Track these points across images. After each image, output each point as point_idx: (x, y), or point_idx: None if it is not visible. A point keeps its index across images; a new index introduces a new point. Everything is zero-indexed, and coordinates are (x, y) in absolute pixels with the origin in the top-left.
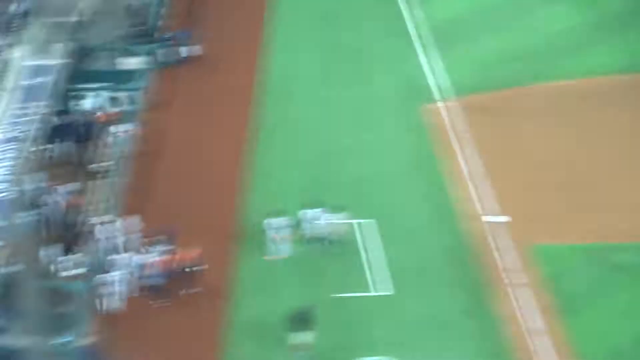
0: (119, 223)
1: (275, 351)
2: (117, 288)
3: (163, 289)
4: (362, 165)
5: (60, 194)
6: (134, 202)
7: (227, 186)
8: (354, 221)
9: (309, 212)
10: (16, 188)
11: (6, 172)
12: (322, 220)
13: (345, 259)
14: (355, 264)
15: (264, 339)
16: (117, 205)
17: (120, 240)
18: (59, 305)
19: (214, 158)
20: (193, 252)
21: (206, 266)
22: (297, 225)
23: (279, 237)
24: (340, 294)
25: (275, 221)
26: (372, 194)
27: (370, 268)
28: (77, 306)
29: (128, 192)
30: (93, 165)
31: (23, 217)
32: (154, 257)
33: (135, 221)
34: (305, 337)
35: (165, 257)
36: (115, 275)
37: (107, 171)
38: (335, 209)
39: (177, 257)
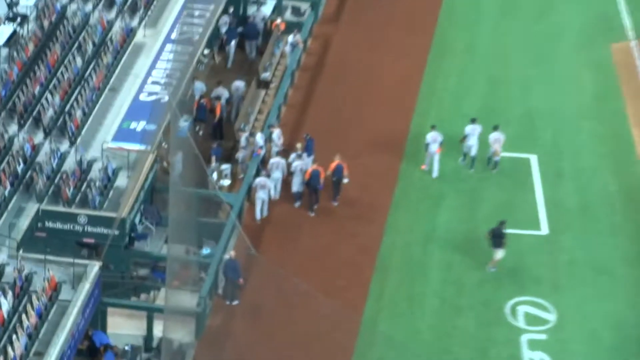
0: (260, 135)
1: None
2: (272, 193)
3: (313, 198)
4: (537, 99)
5: (222, 97)
6: (290, 114)
7: (393, 105)
8: (519, 155)
9: (476, 128)
10: (178, 91)
11: (170, 74)
12: (490, 138)
13: (503, 190)
14: (513, 197)
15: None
16: (278, 116)
17: (272, 149)
18: (209, 215)
19: (383, 78)
20: (335, 164)
21: (347, 180)
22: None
23: (431, 153)
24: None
25: (432, 135)
26: (544, 128)
27: (528, 204)
28: (227, 218)
29: (288, 104)
30: (265, 74)
31: (182, 122)
32: (302, 165)
33: (278, 133)
34: (498, 254)
35: (311, 167)
36: (272, 178)
37: (276, 81)
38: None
39: (320, 167)
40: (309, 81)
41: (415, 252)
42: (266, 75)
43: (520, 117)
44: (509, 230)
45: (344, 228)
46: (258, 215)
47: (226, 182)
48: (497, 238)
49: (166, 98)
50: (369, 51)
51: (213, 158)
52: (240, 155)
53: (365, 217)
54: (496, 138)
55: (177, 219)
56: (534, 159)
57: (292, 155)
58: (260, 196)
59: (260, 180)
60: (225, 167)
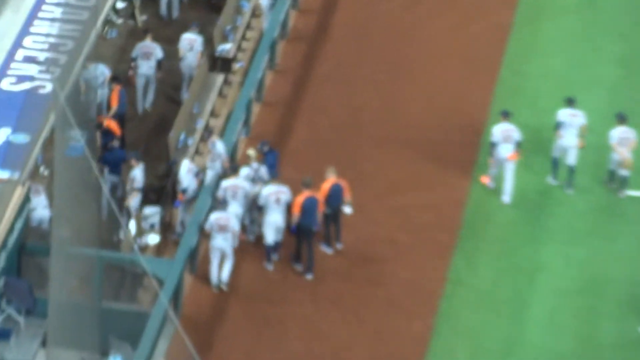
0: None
1: None
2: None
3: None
4: None
5: None
6: (269, 118)
7: (452, 95)
8: None
9: (577, 115)
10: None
11: (57, 44)
12: (613, 137)
13: None
14: None
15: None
16: (247, 121)
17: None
18: (122, 297)
19: (433, 50)
20: (328, 184)
21: (350, 209)
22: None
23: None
24: None
25: (503, 129)
26: None
27: None
28: (153, 302)
29: (265, 100)
30: (224, 47)
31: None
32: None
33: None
34: None
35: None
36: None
37: (243, 58)
38: None
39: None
40: (302, 59)
41: None
42: (226, 48)
43: None
44: None
45: (359, 313)
46: (214, 279)
47: (153, 237)
48: None
49: (49, 87)
50: (406, 6)
51: (130, 197)
52: (185, 183)
53: (400, 295)
54: (624, 137)
55: (63, 305)
56: None
57: (244, 174)
58: (218, 245)
59: (216, 217)
60: (151, 211)
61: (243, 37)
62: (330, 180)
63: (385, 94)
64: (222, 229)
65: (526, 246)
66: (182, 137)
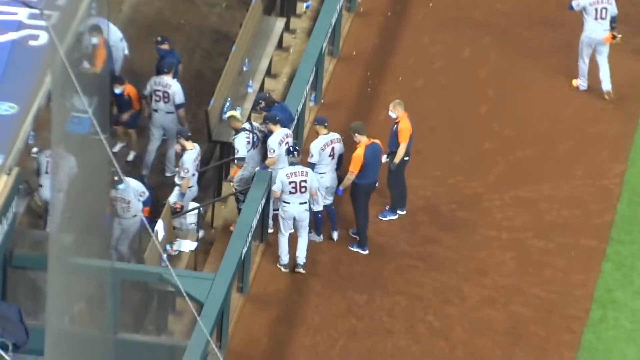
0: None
1: None
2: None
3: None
4: None
5: None
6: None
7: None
8: None
9: None
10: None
11: None
12: None
13: None
14: None
15: None
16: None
17: None
18: (146, 325)
19: None
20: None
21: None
22: None
23: None
24: None
25: None
26: None
27: None
28: (189, 332)
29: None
30: None
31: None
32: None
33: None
34: None
35: None
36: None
37: None
38: None
39: None
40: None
41: None
42: None
43: None
44: None
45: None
46: (284, 260)
47: (189, 243)
48: None
49: (43, 38)
50: None
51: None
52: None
53: (531, 321)
54: None
55: (65, 336)
56: None
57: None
58: (293, 212)
59: (289, 172)
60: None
61: None
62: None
63: (504, 43)
64: (298, 188)
65: None
66: (227, 105)
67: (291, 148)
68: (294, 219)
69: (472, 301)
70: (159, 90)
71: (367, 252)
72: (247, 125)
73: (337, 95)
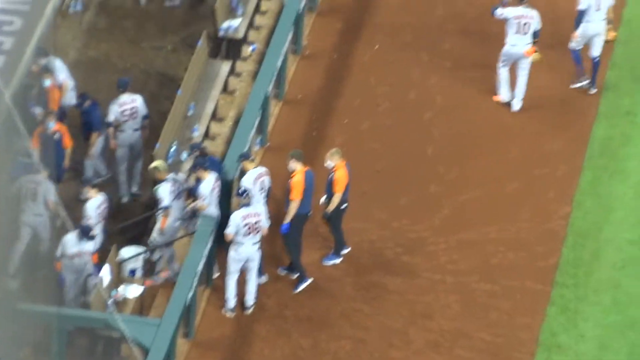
0: None
1: None
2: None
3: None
4: None
5: None
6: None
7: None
8: None
9: None
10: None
11: None
12: None
13: None
14: None
15: None
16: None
17: None
18: None
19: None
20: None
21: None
22: None
23: None
24: None
25: None
26: None
27: None
28: None
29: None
30: (231, 23)
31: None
32: None
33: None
34: None
35: None
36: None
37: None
38: None
39: None
40: (338, 39)
41: None
42: (233, 25)
43: None
44: None
45: None
46: (231, 302)
47: (133, 289)
48: None
49: None
50: None
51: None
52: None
53: None
54: None
55: None
56: None
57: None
58: (246, 253)
59: (244, 214)
60: (131, 252)
61: (257, 10)
62: (340, 164)
63: (449, 89)
64: (253, 228)
65: None
66: (172, 149)
67: (239, 191)
68: (247, 259)
69: (417, 345)
70: (126, 110)
71: (311, 279)
72: (171, 176)
73: (283, 139)
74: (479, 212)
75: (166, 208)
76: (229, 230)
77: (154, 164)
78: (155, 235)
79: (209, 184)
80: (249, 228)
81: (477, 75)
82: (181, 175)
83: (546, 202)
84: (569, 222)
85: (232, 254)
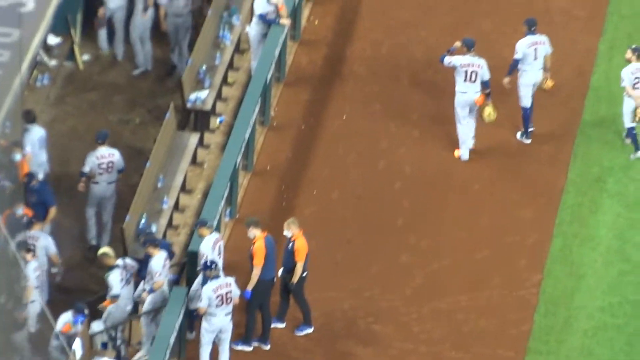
0: None
1: None
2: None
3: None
4: None
5: None
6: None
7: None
8: None
9: None
10: None
11: None
12: None
13: None
14: None
15: None
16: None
17: None
18: None
19: None
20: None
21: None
22: None
23: None
24: None
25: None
26: None
27: None
28: None
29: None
30: (198, 95)
31: None
32: None
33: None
34: None
35: None
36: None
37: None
38: None
39: None
40: (305, 110)
41: None
42: (201, 97)
43: None
44: None
45: None
46: None
47: None
48: None
49: None
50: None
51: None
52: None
53: None
54: None
55: None
56: None
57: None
58: (219, 324)
59: (215, 286)
60: (101, 326)
61: (224, 82)
62: (298, 234)
63: (418, 154)
64: (225, 299)
65: None
66: (142, 222)
67: (207, 263)
68: (220, 330)
69: None
70: (103, 163)
71: (268, 347)
72: (119, 262)
73: (252, 210)
74: (451, 280)
75: (115, 297)
76: (202, 304)
77: (102, 250)
78: (105, 317)
79: (160, 259)
80: (221, 299)
81: (446, 141)
82: (128, 261)
83: (517, 270)
84: (541, 290)
85: (205, 325)
